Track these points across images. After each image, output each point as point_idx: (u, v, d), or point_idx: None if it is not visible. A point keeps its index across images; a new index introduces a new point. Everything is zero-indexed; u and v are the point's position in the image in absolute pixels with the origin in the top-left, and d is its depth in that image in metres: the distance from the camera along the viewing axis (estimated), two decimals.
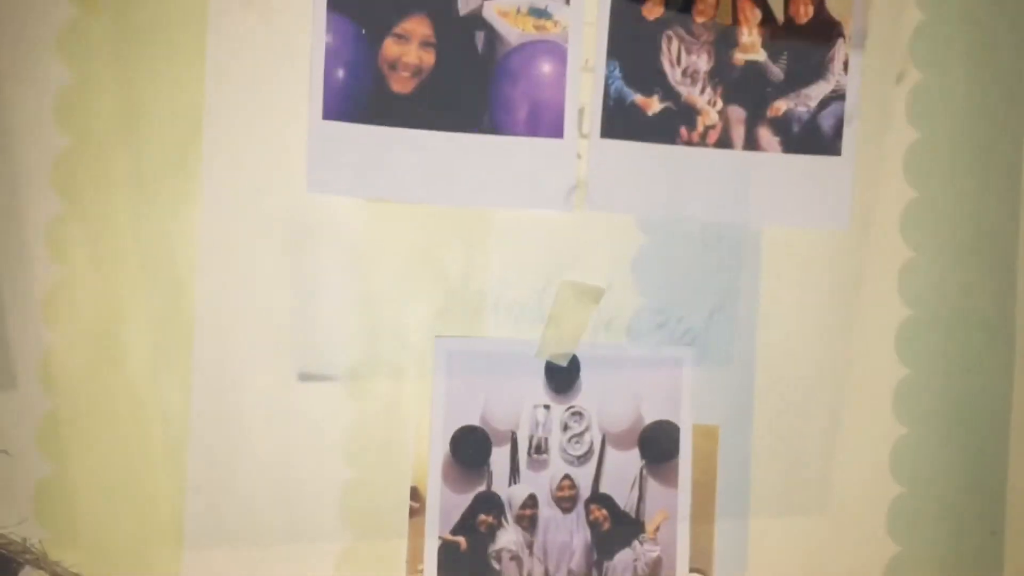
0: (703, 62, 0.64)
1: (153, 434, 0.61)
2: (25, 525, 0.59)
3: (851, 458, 0.66)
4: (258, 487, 0.61)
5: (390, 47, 0.62)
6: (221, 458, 0.61)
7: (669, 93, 0.64)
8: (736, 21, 0.64)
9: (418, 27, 0.62)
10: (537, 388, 0.64)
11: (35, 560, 0.58)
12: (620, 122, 0.64)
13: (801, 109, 0.64)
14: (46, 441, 0.60)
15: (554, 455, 0.64)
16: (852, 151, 0.64)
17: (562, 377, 0.64)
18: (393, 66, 0.62)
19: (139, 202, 0.60)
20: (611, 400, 0.64)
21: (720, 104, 0.64)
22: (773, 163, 0.64)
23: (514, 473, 0.64)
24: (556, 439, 0.64)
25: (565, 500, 0.64)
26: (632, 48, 0.63)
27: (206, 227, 0.61)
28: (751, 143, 0.64)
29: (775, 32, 0.64)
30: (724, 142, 0.64)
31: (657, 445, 0.64)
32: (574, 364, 0.64)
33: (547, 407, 0.64)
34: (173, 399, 0.61)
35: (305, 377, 0.62)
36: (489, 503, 0.63)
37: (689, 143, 0.64)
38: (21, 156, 0.59)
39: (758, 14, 0.64)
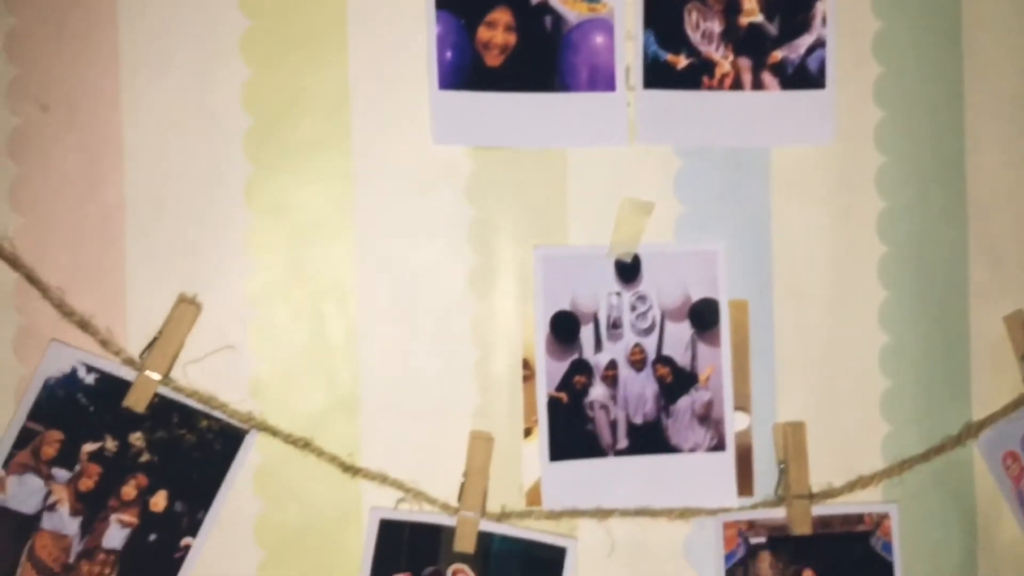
0: (716, 26, 0.84)
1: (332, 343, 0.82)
2: (247, 402, 0.80)
3: (846, 317, 0.86)
4: (421, 372, 0.82)
5: (483, 32, 0.82)
6: (393, 347, 0.82)
7: (692, 52, 0.84)
8: None
9: (502, 16, 0.83)
10: (610, 280, 0.84)
11: (258, 424, 0.80)
12: (657, 76, 0.84)
13: (793, 56, 0.85)
14: (258, 340, 0.81)
15: (626, 329, 0.85)
16: (833, 85, 0.85)
17: (628, 270, 0.83)
18: (486, 46, 0.83)
19: (315, 179, 0.81)
20: (666, 285, 0.84)
21: (731, 57, 0.84)
22: (774, 99, 0.85)
23: (598, 344, 0.84)
24: (627, 317, 0.85)
25: (637, 363, 0.85)
26: (662, 19, 0.84)
27: (360, 169, 0.81)
28: (757, 85, 0.85)
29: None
30: (736, 86, 0.85)
31: (703, 317, 0.84)
32: (636, 260, 0.83)
33: (619, 294, 0.84)
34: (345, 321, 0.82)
35: (436, 286, 0.83)
36: (581, 367, 0.84)
37: (710, 88, 0.84)
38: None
39: None
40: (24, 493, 0.77)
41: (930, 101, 0.86)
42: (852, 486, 0.84)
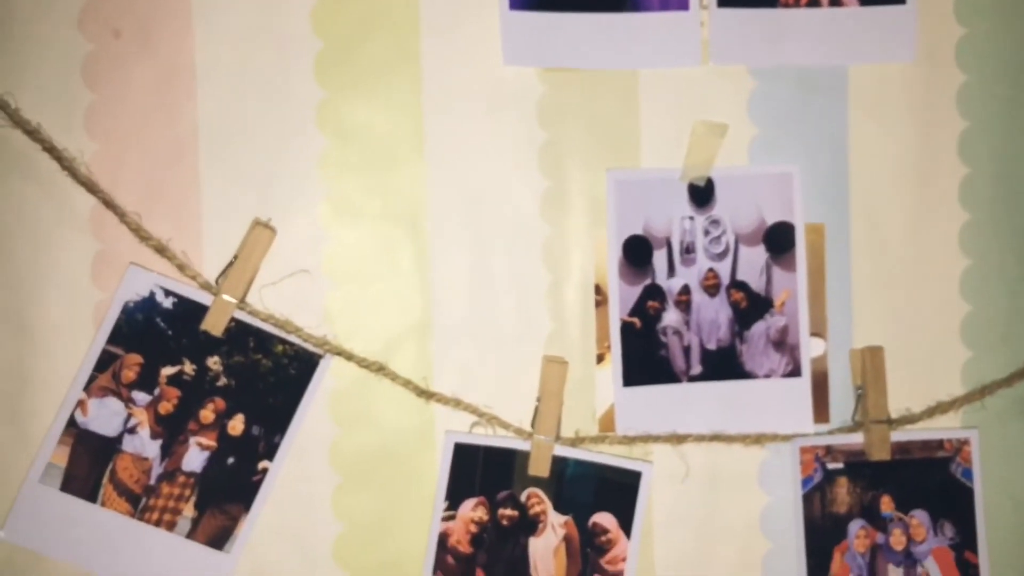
0: None
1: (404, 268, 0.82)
2: (322, 327, 0.80)
3: (926, 240, 0.84)
4: (492, 297, 0.81)
5: None
6: (464, 272, 0.82)
7: None
8: None
9: None
10: (683, 204, 0.83)
11: (333, 349, 0.80)
12: None
13: None
14: (332, 264, 0.81)
15: (700, 254, 0.83)
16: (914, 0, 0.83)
17: (701, 194, 0.82)
18: None
19: (386, 102, 0.81)
20: (740, 209, 0.83)
21: None
22: (853, 15, 0.82)
23: (671, 269, 0.83)
24: (700, 242, 0.83)
25: (711, 288, 0.83)
26: None
27: (430, 92, 0.80)
28: (835, 1, 0.82)
29: None
30: (813, 2, 0.82)
31: (778, 241, 0.82)
32: (710, 183, 0.82)
33: (691, 218, 0.83)
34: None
35: (507, 211, 0.82)
36: (654, 292, 0.83)
37: (786, 5, 0.82)
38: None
39: None
40: (105, 416, 0.78)
41: (1013, 17, 0.83)
42: (931, 412, 0.83)
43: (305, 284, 0.80)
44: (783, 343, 0.83)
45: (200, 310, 0.78)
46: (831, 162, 0.83)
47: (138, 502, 0.78)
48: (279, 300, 0.79)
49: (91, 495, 0.78)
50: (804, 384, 0.83)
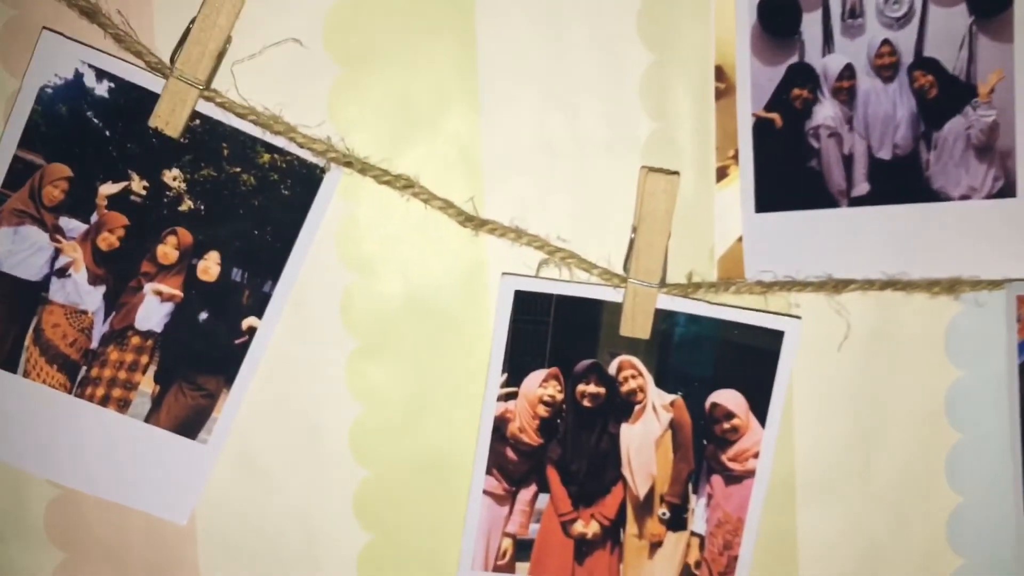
0: None
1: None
2: (324, 126, 0.56)
3: None
4: (566, 83, 0.58)
5: None
6: (528, 45, 0.57)
7: None
8: None
9: None
10: None
11: (342, 159, 0.56)
12: None
13: None
14: (338, 33, 0.57)
15: (870, 19, 0.58)
16: None
17: None
18: None
19: None
20: None
21: None
22: None
23: (828, 41, 0.58)
24: (872, 2, 0.58)
25: (886, 68, 0.58)
26: None
27: None
28: None
29: None
30: None
31: None
32: None
33: None
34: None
35: None
36: (803, 75, 0.58)
37: None
38: None
39: None
40: (23, 251, 0.56)
41: None
42: None
43: (298, 63, 0.57)
44: (990, 149, 0.60)
45: (149, 100, 0.55)
46: None
47: (76, 372, 0.57)
48: (262, 87, 0.56)
49: (9, 362, 0.56)
50: (1020, 207, 0.58)
